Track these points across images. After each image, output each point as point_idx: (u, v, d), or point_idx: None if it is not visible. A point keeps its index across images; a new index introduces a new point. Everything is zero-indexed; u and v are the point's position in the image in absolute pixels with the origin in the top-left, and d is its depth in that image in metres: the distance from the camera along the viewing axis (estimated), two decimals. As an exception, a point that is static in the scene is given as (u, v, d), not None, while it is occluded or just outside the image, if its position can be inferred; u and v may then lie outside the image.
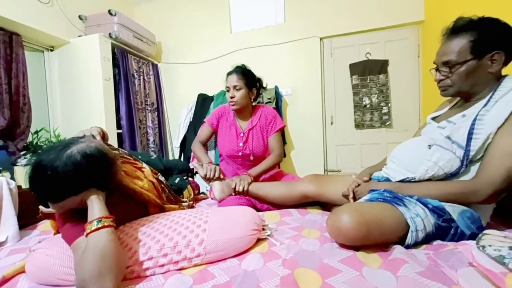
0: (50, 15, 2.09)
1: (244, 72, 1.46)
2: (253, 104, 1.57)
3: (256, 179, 1.33)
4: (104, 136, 0.94)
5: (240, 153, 1.48)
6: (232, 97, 1.43)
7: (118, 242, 0.68)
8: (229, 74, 1.48)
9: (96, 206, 0.68)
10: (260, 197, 1.24)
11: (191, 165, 1.56)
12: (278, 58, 2.72)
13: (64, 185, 0.66)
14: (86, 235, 0.65)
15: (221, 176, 1.31)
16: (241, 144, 1.47)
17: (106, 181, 0.73)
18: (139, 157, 1.17)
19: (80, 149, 0.68)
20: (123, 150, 1.09)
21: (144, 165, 1.07)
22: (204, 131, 1.56)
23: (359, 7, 2.49)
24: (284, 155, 2.61)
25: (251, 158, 1.49)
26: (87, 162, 0.67)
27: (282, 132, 2.20)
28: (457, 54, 0.83)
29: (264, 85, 1.60)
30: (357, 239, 0.75)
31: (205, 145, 1.57)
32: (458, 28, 0.84)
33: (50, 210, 0.75)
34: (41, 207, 0.77)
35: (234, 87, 1.42)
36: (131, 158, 1.05)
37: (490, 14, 0.83)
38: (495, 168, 0.76)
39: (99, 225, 0.65)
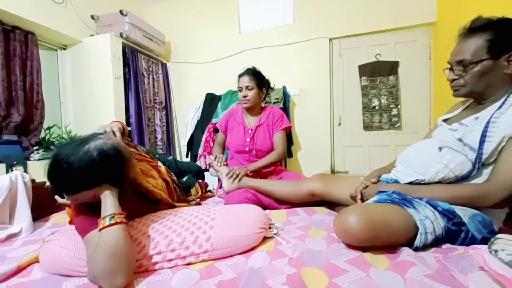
0: (63, 15, 2.15)
1: (255, 74, 1.59)
2: (262, 104, 1.68)
3: (253, 172, 1.42)
4: (124, 131, 0.95)
5: (247, 148, 1.56)
6: (244, 96, 1.56)
7: (129, 238, 0.69)
8: (241, 75, 1.60)
9: (109, 201, 0.70)
10: (268, 193, 1.27)
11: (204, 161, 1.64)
12: (286, 59, 2.72)
13: (78, 179, 0.68)
14: (99, 230, 0.66)
15: (224, 163, 1.46)
16: (248, 140, 1.56)
17: (119, 179, 0.75)
18: (156, 156, 1.20)
19: (97, 145, 0.70)
20: (141, 147, 1.11)
21: (160, 163, 1.09)
22: (218, 136, 1.73)
23: (369, 8, 2.46)
24: (291, 156, 2.61)
25: (257, 153, 1.57)
26: (101, 158, 0.69)
27: (289, 132, 2.23)
28: (473, 53, 0.81)
29: (272, 86, 1.71)
30: (363, 239, 0.75)
31: (223, 147, 1.72)
32: (475, 27, 0.82)
33: (65, 201, 0.77)
34: (56, 197, 0.79)
35: (247, 87, 1.55)
36: (148, 156, 1.07)
37: (506, 16, 0.81)
38: (509, 172, 0.74)
39: (112, 221, 0.66)
